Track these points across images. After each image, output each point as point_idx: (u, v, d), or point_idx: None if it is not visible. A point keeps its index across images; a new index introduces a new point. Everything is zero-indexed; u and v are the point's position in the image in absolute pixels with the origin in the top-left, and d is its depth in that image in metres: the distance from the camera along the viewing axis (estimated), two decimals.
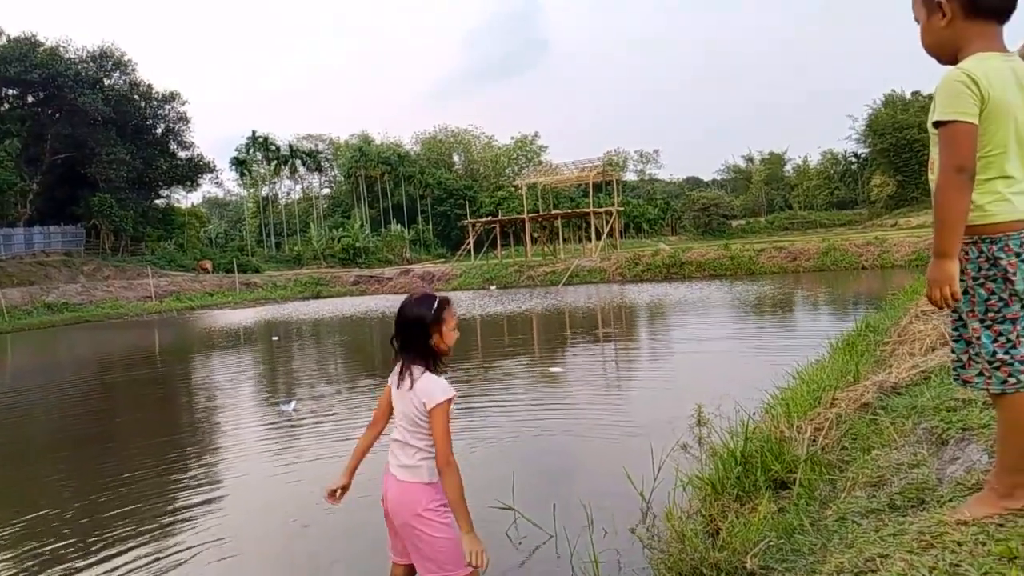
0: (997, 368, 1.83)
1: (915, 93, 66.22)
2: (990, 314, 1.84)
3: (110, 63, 49.78)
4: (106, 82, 49.44)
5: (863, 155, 71.40)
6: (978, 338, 1.87)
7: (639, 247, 45.84)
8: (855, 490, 2.91)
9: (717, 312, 17.82)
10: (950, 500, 2.21)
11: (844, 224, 61.28)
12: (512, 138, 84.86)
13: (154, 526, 5.09)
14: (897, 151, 61.04)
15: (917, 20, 1.97)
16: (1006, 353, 1.82)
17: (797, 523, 2.91)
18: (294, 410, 8.68)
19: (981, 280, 1.84)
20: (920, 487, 2.51)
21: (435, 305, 2.57)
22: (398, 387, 2.60)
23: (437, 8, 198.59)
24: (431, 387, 2.50)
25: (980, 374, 1.88)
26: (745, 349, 11.38)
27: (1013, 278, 1.80)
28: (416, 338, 2.57)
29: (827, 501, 3.09)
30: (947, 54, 1.92)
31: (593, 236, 45.83)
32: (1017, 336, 1.82)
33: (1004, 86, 1.78)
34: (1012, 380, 1.82)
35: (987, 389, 1.88)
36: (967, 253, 1.86)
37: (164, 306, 36.80)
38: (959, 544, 1.80)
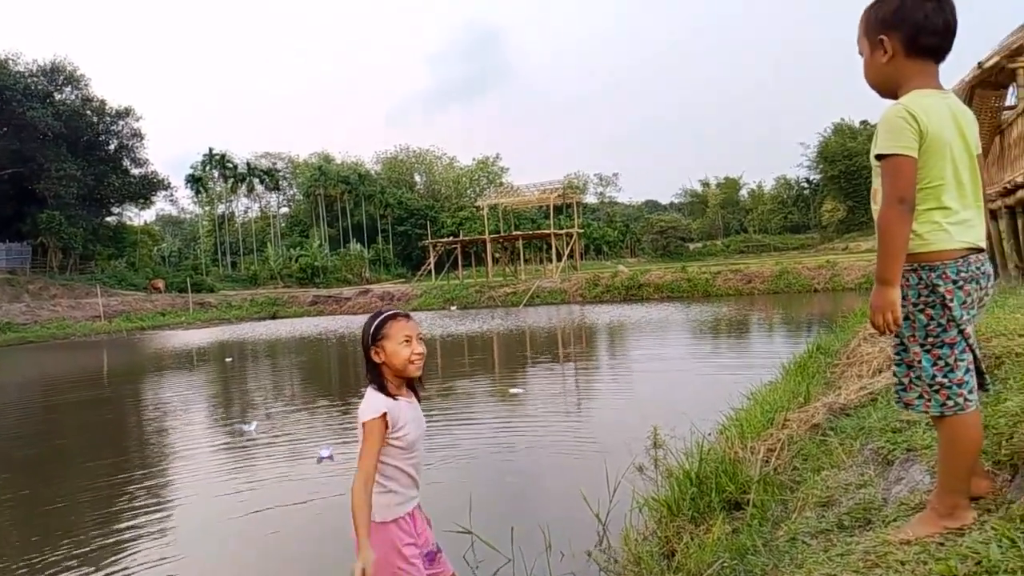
0: (936, 391, 1.89)
1: (863, 122, 68.79)
2: (930, 339, 1.90)
3: (62, 77, 48.62)
4: (57, 97, 48.25)
5: (815, 181, 73.68)
6: (919, 362, 1.92)
7: (599, 269, 46.29)
8: (805, 510, 2.96)
9: (674, 333, 18.05)
10: (894, 520, 2.26)
11: (797, 248, 63.03)
12: (474, 159, 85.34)
13: (94, 549, 4.90)
14: (847, 177, 63.23)
15: (861, 54, 2.06)
16: (944, 376, 1.88)
17: (750, 544, 2.95)
18: (255, 430, 8.59)
19: (921, 306, 1.91)
20: (867, 507, 2.56)
21: (375, 322, 2.45)
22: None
23: (400, 29, 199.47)
24: (362, 405, 2.38)
25: (920, 396, 1.93)
26: (701, 370, 11.54)
27: (950, 304, 1.87)
28: (366, 361, 2.46)
29: (779, 521, 3.13)
30: (888, 89, 2.00)
31: (554, 257, 46.13)
32: (955, 360, 1.88)
33: (941, 122, 1.86)
34: (950, 403, 1.88)
35: (926, 412, 1.94)
36: (908, 280, 1.92)
37: (114, 326, 35.74)
38: (902, 563, 1.84)
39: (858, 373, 4.97)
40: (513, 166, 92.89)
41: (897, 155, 1.84)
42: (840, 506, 2.74)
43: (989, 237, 8.28)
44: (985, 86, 11.60)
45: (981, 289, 1.90)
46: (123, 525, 5.45)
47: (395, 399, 2.40)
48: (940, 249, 1.87)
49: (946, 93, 1.95)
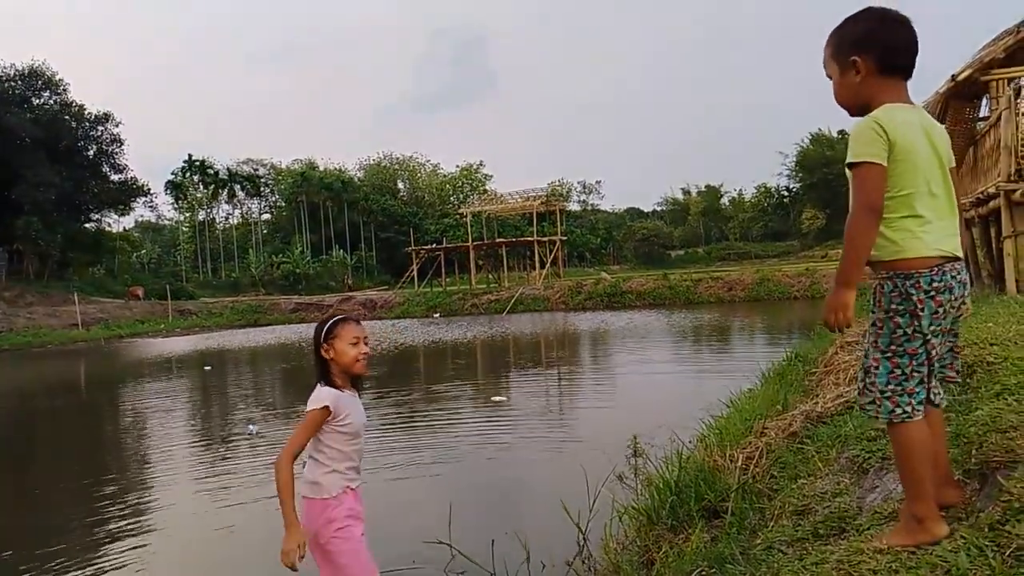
0: (888, 398, 1.93)
1: (840, 131, 69.77)
2: (892, 346, 1.94)
3: (40, 82, 48.07)
4: (35, 102, 47.71)
5: (794, 189, 74.54)
6: (876, 368, 1.96)
7: (582, 276, 46.44)
8: (782, 519, 2.98)
9: (656, 341, 18.13)
10: (868, 528, 2.28)
11: (777, 255, 63.67)
12: (457, 166, 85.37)
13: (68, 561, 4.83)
14: (825, 185, 64.08)
15: (830, 77, 2.11)
16: (898, 384, 1.92)
17: (728, 552, 2.96)
18: (256, 433, 8.91)
19: (892, 314, 1.94)
20: (842, 516, 2.59)
21: (328, 323, 2.79)
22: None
23: (384, 36, 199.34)
24: (312, 395, 2.67)
25: (872, 403, 1.98)
26: (683, 378, 11.60)
27: (921, 314, 1.90)
28: (316, 357, 2.77)
29: (756, 530, 3.15)
30: (859, 107, 2.04)
31: (537, 265, 46.21)
32: (912, 371, 1.92)
33: (911, 133, 1.91)
34: (898, 411, 1.92)
35: (876, 417, 1.99)
36: (883, 287, 1.95)
37: (91, 334, 35.18)
38: (874, 572, 1.86)
39: (835, 381, 5.03)
40: (496, 173, 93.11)
41: (866, 163, 1.89)
42: (816, 514, 2.76)
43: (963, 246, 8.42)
44: (959, 98, 11.82)
45: (955, 299, 1.93)
46: (98, 538, 5.37)
47: (340, 391, 2.70)
48: (914, 256, 1.90)
49: (916, 107, 2.00)
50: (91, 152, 51.44)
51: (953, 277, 1.91)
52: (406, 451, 7.47)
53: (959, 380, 2.12)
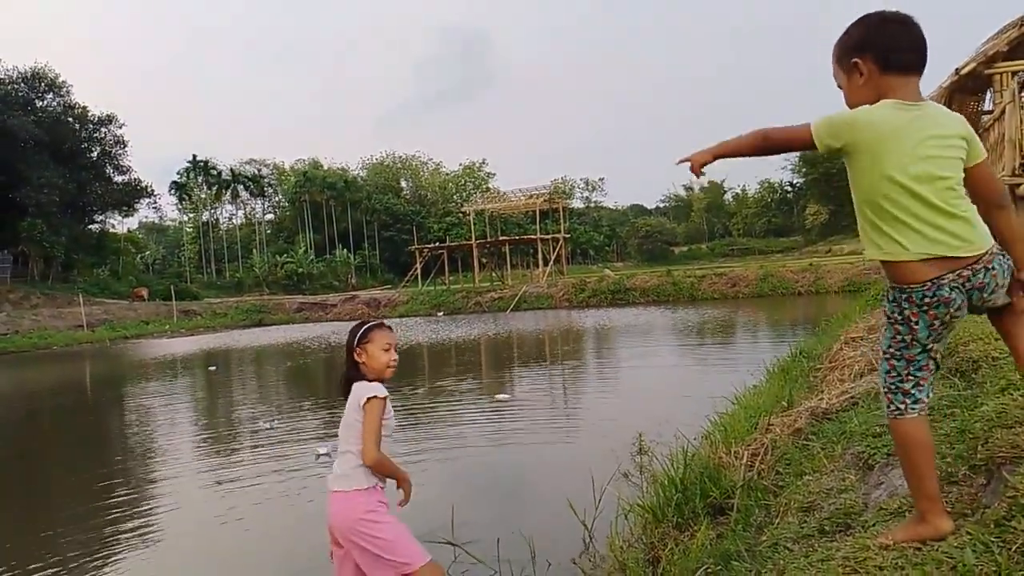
0: (885, 394, 2.01)
1: None
2: (891, 349, 1.98)
3: (43, 85, 48.20)
4: (39, 104, 47.84)
5: (798, 184, 74.33)
6: (880, 365, 2.05)
7: (585, 273, 46.41)
8: (788, 515, 2.97)
9: (660, 338, 18.12)
10: (874, 525, 2.28)
11: (781, 251, 63.51)
12: (460, 164, 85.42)
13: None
14: (828, 180, 63.82)
15: (840, 87, 2.10)
16: (894, 384, 1.98)
17: (733, 549, 2.96)
18: (270, 427, 9.23)
19: (892, 320, 1.97)
20: (847, 512, 2.58)
21: (363, 327, 2.86)
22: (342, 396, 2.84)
23: (385, 35, 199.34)
24: (362, 388, 2.73)
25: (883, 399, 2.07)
26: (687, 374, 11.60)
27: (915, 327, 1.91)
28: (347, 359, 2.84)
29: (762, 526, 3.15)
30: None
31: (540, 262, 46.20)
32: (908, 375, 1.96)
33: (888, 131, 1.87)
34: (892, 408, 1.98)
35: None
36: (888, 295, 1.97)
37: (96, 336, 35.28)
38: (880, 569, 1.86)
39: (840, 377, 5.02)
40: (499, 171, 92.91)
41: (813, 129, 1.94)
42: (821, 511, 2.76)
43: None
44: (963, 91, 11.77)
45: (956, 310, 1.87)
46: (106, 540, 5.39)
47: None
48: (896, 260, 1.89)
49: (918, 104, 1.95)
50: (95, 154, 51.60)
51: (952, 288, 1.84)
52: (410, 449, 7.48)
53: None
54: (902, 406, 1.96)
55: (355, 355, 2.80)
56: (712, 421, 5.72)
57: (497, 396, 10.62)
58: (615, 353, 16.15)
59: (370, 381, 2.76)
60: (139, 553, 5.13)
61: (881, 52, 1.96)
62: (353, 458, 2.72)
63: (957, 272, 1.84)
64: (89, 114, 50.32)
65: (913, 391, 1.95)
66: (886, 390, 1.99)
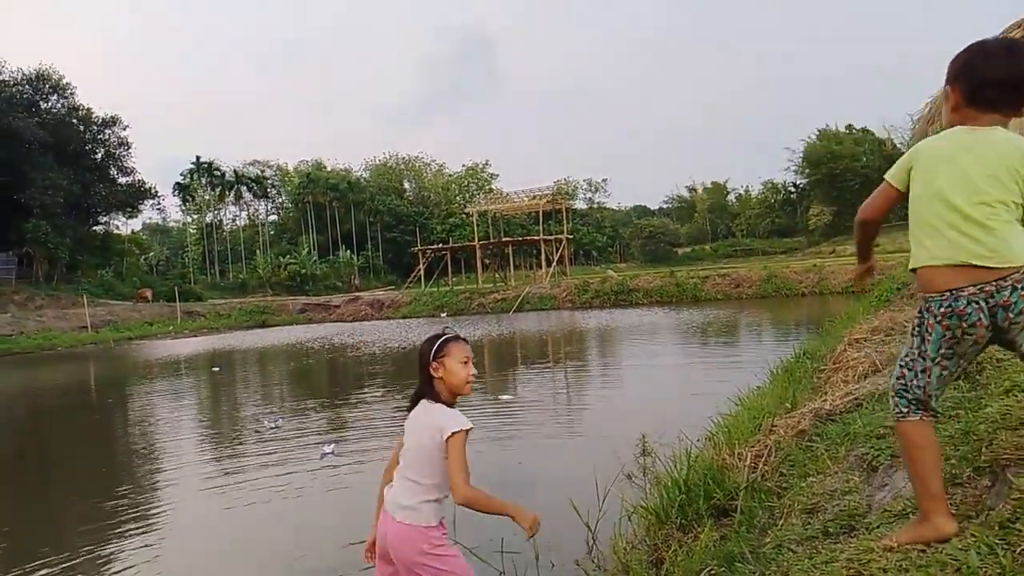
0: (891, 396, 2.07)
1: (848, 126, 69.40)
2: (907, 358, 2.05)
3: (47, 86, 48.34)
4: (43, 106, 47.98)
5: (801, 185, 74.17)
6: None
7: (588, 274, 46.41)
8: (791, 517, 2.97)
9: (664, 339, 18.11)
10: (878, 527, 2.28)
11: (784, 252, 63.39)
12: (463, 165, 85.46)
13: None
14: (831, 181, 63.67)
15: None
16: (900, 387, 2.05)
17: (737, 551, 2.96)
18: (275, 426, 9.33)
19: (913, 331, 2.04)
20: (851, 514, 2.59)
21: (439, 340, 2.64)
22: (410, 420, 2.63)
23: (388, 36, 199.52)
24: (444, 418, 2.52)
25: None
26: (691, 375, 11.58)
27: (928, 339, 1.94)
28: (422, 374, 2.63)
29: (766, 528, 3.15)
30: None
31: (543, 263, 46.20)
32: (914, 385, 2.00)
33: (940, 156, 1.98)
34: (894, 409, 2.05)
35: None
36: (918, 307, 2.05)
37: (100, 337, 35.36)
38: (884, 571, 1.86)
39: (843, 379, 5.01)
40: (502, 172, 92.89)
41: (887, 181, 2.09)
42: (825, 513, 2.76)
43: None
44: None
45: (972, 326, 1.86)
46: (111, 540, 5.41)
47: None
48: (924, 266, 1.95)
49: (985, 128, 1.97)
50: (99, 155, 51.75)
51: (971, 302, 1.84)
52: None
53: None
54: (906, 409, 2.01)
55: (431, 369, 2.59)
56: (716, 422, 5.71)
57: (501, 396, 10.62)
58: (618, 354, 16.14)
59: (445, 400, 2.59)
60: (141, 550, 5.15)
61: (969, 85, 2.00)
62: (421, 491, 2.53)
63: (980, 286, 1.84)
64: (93, 116, 50.48)
65: (920, 398, 1.99)
66: (893, 392, 2.04)
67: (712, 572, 2.91)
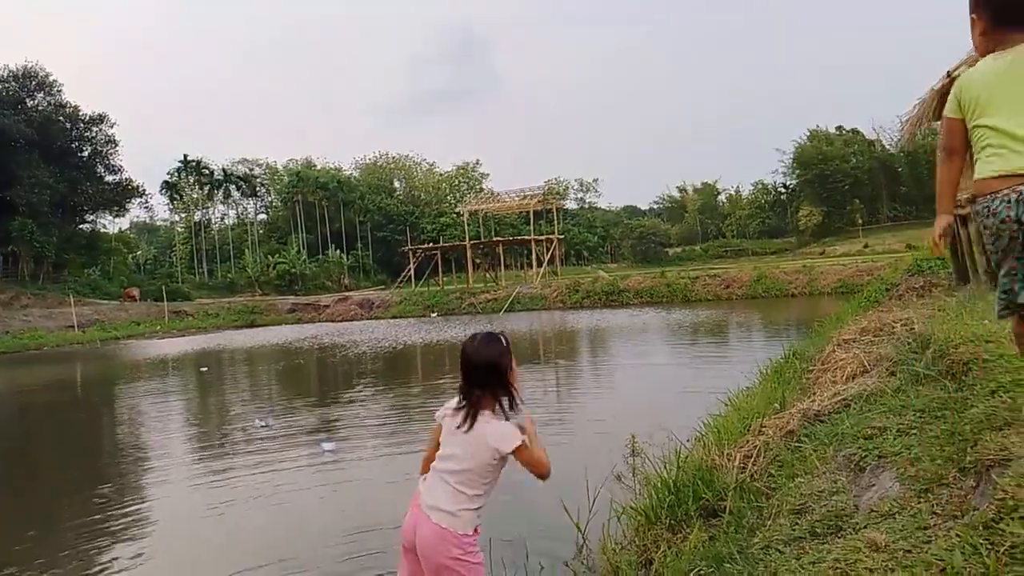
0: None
1: (839, 128, 69.80)
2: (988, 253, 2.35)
3: (33, 83, 47.99)
4: (29, 103, 47.61)
5: (791, 186, 74.54)
6: None
7: (579, 274, 46.43)
8: (780, 517, 2.99)
9: (654, 339, 18.16)
10: (864, 527, 2.30)
11: (774, 252, 63.67)
12: (454, 165, 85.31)
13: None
14: (821, 182, 64.05)
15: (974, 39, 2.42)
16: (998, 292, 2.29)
17: (726, 552, 2.97)
18: (265, 425, 9.35)
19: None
20: (838, 514, 2.60)
21: (507, 345, 2.59)
22: (458, 427, 2.53)
23: (381, 35, 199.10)
24: (499, 436, 2.49)
25: None
26: (681, 376, 11.61)
27: (983, 234, 2.25)
28: (492, 380, 2.54)
29: (754, 528, 3.16)
30: (987, 55, 2.33)
31: (534, 263, 46.22)
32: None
33: (990, 77, 2.21)
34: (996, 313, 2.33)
35: None
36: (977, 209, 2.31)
37: (87, 336, 35.10)
38: (870, 571, 1.88)
39: (832, 379, 5.04)
40: (493, 172, 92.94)
41: (946, 117, 2.36)
42: (813, 513, 2.78)
43: (956, 241, 8.43)
44: None
45: (1002, 223, 2.11)
46: (97, 540, 5.37)
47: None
48: (979, 178, 2.20)
49: (1013, 49, 2.20)
50: (85, 153, 51.39)
51: (1004, 201, 2.10)
52: (403, 448, 7.48)
53: None
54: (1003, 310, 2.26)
55: (510, 377, 2.53)
56: (705, 423, 5.74)
57: None
58: (609, 354, 16.17)
59: (512, 404, 2.57)
60: (128, 548, 5.12)
61: (992, 8, 2.28)
62: (465, 500, 2.51)
63: (1012, 187, 2.09)
64: (80, 113, 50.16)
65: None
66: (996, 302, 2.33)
67: (701, 573, 2.92)
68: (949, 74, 10.94)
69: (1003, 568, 1.67)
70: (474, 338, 2.62)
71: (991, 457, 2.18)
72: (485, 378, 2.53)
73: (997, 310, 2.27)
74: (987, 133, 2.18)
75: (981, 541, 1.78)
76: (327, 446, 7.82)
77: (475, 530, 2.55)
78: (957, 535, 1.87)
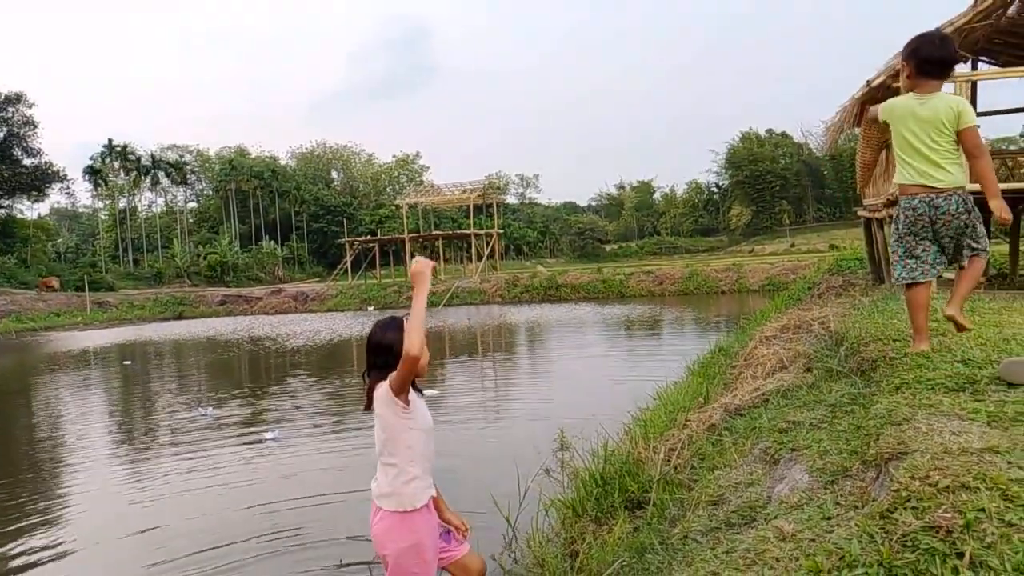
0: (893, 264, 3.42)
1: (768, 130, 72.21)
2: (894, 236, 3.34)
3: None
4: None
5: (723, 186, 76.73)
6: None
7: (519, 269, 46.67)
8: (699, 509, 3.09)
9: (589, 335, 18.42)
10: (775, 517, 2.40)
11: (706, 250, 65.43)
12: (394, 156, 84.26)
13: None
14: (752, 182, 66.25)
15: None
16: (894, 262, 3.40)
17: (648, 542, 3.06)
18: (205, 415, 9.43)
19: (894, 218, 3.30)
20: (752, 505, 2.71)
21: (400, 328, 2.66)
22: (364, 409, 2.66)
23: (319, 22, 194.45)
24: (385, 382, 2.60)
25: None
26: (613, 371, 11.83)
27: (899, 222, 3.29)
28: (384, 360, 2.65)
29: (675, 520, 3.26)
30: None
31: (474, 257, 46.16)
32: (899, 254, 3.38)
33: (899, 113, 3.21)
34: (896, 279, 3.42)
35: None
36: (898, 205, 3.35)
37: (1, 328, 33.24)
38: (777, 560, 1.97)
39: (753, 375, 5.22)
40: (434, 165, 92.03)
41: (880, 111, 3.35)
42: (729, 504, 2.88)
43: (873, 243, 8.86)
44: (874, 103, 12.36)
45: (921, 216, 3.16)
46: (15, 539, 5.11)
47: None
48: (902, 183, 3.23)
49: (929, 95, 3.15)
50: (1, 134, 48.54)
51: (921, 202, 3.16)
52: (337, 443, 7.38)
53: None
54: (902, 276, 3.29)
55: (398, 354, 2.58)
56: (633, 416, 5.87)
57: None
58: (545, 349, 16.32)
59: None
60: (48, 546, 4.89)
61: (917, 62, 3.16)
62: (396, 473, 2.53)
63: (927, 195, 3.15)
64: None
65: (907, 261, 3.27)
66: (893, 261, 3.33)
67: (624, 563, 2.99)
68: (868, 83, 11.46)
69: (895, 555, 1.77)
70: (378, 323, 2.80)
71: (890, 450, 2.31)
72: (381, 357, 2.67)
73: (899, 277, 3.31)
74: (908, 149, 3.17)
75: (877, 530, 1.88)
76: (269, 435, 7.80)
77: (429, 505, 2.58)
78: (856, 524, 1.97)
